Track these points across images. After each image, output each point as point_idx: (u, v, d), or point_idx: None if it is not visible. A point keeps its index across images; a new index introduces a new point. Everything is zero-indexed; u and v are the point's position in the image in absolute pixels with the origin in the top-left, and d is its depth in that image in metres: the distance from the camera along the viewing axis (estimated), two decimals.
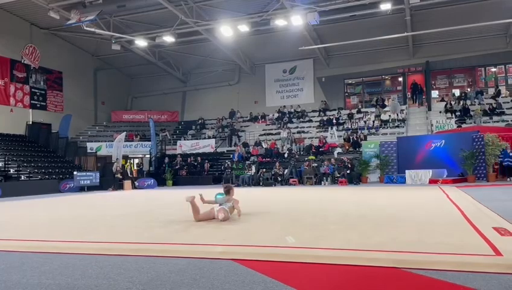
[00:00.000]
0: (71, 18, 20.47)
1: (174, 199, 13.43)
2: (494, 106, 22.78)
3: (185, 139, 27.63)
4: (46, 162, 21.74)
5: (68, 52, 26.82)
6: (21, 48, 23.87)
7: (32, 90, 24.69)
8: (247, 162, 22.31)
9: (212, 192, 6.57)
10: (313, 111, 27.82)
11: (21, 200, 13.74)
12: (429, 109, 24.87)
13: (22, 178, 18.83)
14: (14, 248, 4.69)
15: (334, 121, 25.45)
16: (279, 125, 26.95)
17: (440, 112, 23.91)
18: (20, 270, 3.64)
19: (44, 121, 25.04)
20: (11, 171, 18.91)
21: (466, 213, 6.40)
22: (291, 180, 19.91)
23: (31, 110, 24.58)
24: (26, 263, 3.91)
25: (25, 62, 24.16)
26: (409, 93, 26.42)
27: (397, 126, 23.66)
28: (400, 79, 27.74)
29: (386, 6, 19.41)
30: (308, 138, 24.55)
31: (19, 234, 5.80)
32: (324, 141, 23.05)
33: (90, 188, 19.24)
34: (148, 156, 25.70)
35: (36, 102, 24.94)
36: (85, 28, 21.15)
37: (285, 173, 20.39)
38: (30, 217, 8.66)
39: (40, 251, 4.51)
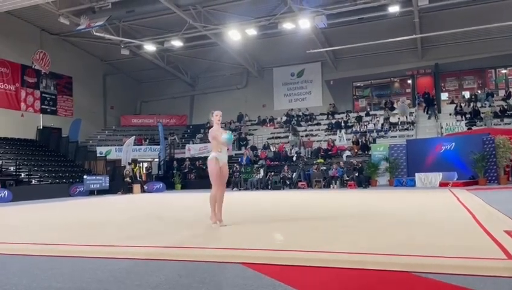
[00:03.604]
0: (81, 23, 20.69)
1: (183, 202, 13.48)
2: (505, 107, 22.54)
3: (193, 143, 27.71)
4: (56, 166, 21.94)
5: (78, 57, 27.08)
6: (32, 54, 24.15)
7: (43, 95, 24.96)
8: (255, 165, 22.31)
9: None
10: (321, 114, 27.75)
11: (32, 204, 13.87)
12: (439, 111, 24.66)
13: (33, 182, 19.02)
14: (25, 252, 4.74)
15: (343, 124, 25.37)
16: (287, 129, 26.93)
17: (450, 115, 23.71)
18: (30, 274, 3.67)
19: (55, 125, 25.28)
20: (22, 176, 19.10)
21: (477, 216, 6.34)
22: (299, 183, 19.87)
23: (41, 115, 24.84)
24: (36, 267, 3.94)
25: (35, 67, 24.44)
26: (421, 97, 25.90)
27: (406, 129, 23.49)
28: (409, 81, 27.59)
29: (394, 9, 19.34)
30: (317, 141, 24.48)
31: (30, 238, 5.86)
32: (332, 144, 22.97)
33: (100, 192, 19.38)
34: (157, 159, 25.82)
35: (46, 107, 25.20)
36: (94, 33, 21.37)
37: (293, 176, 20.35)
38: (40, 220, 8.73)
39: (50, 254, 4.54)
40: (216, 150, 6.08)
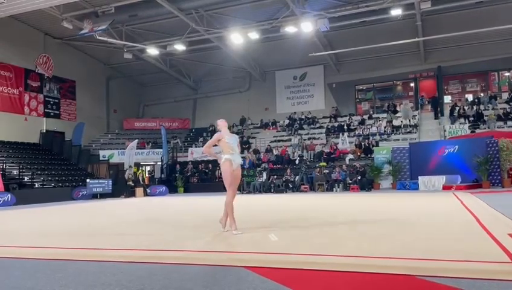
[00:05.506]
0: (84, 28, 20.77)
1: (185, 206, 13.48)
2: (508, 110, 22.49)
3: (196, 146, 27.72)
4: (59, 170, 21.99)
5: (81, 61, 27.17)
6: (35, 58, 24.25)
7: (46, 99, 25.05)
8: (258, 168, 22.30)
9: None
10: (324, 117, 27.74)
11: (35, 208, 13.89)
12: (442, 114, 24.61)
13: (36, 186, 19.05)
14: (28, 255, 4.74)
15: (345, 127, 25.34)
16: (289, 132, 26.93)
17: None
18: (34, 278, 3.68)
19: (58, 129, 25.34)
20: (26, 179, 19.14)
21: (481, 219, 6.31)
22: (302, 187, 19.84)
23: (44, 118, 24.92)
24: (39, 270, 3.95)
25: (38, 72, 24.54)
26: (426, 100, 25.86)
27: (409, 132, 23.46)
28: (412, 84, 27.56)
29: (396, 12, 19.32)
30: (319, 145, 24.46)
31: (33, 242, 5.87)
32: (335, 147, 22.95)
33: (103, 195, 19.40)
34: (160, 163, 25.85)
35: (50, 111, 25.29)
36: (97, 37, 21.44)
37: (296, 179, 20.33)
38: (44, 224, 8.74)
39: (53, 258, 4.55)
40: (228, 151, 5.88)
